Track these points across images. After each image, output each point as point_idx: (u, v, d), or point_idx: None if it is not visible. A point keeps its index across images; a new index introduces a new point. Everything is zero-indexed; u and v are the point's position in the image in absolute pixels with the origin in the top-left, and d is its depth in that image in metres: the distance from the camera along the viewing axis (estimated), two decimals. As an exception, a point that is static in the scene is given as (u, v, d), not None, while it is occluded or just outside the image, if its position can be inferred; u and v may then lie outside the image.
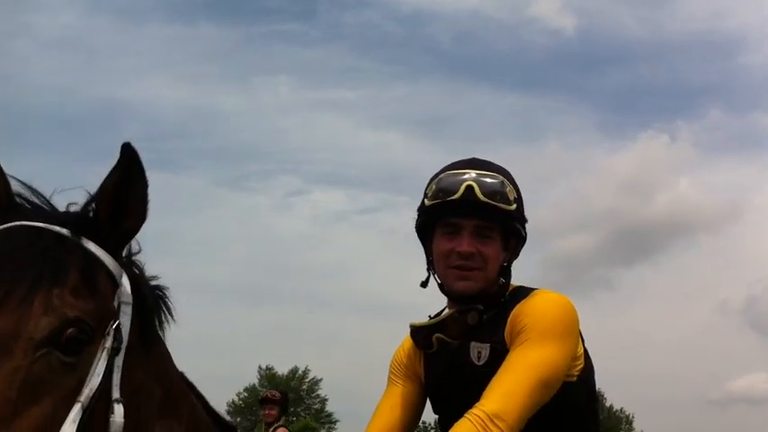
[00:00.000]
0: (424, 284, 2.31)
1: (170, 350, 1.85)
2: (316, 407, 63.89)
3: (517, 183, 2.26)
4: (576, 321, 2.15)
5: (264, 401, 9.28)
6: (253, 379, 63.62)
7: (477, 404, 1.95)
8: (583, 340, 2.22)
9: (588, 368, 2.22)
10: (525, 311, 2.11)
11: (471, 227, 2.17)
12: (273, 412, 9.05)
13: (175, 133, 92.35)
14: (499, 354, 2.09)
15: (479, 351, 2.16)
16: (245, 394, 62.35)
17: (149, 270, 1.80)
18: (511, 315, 2.14)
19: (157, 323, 1.78)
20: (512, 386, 1.97)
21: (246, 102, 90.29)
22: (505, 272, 2.25)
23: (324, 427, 59.54)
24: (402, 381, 2.38)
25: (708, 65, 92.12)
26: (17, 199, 1.67)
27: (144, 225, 1.69)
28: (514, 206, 2.18)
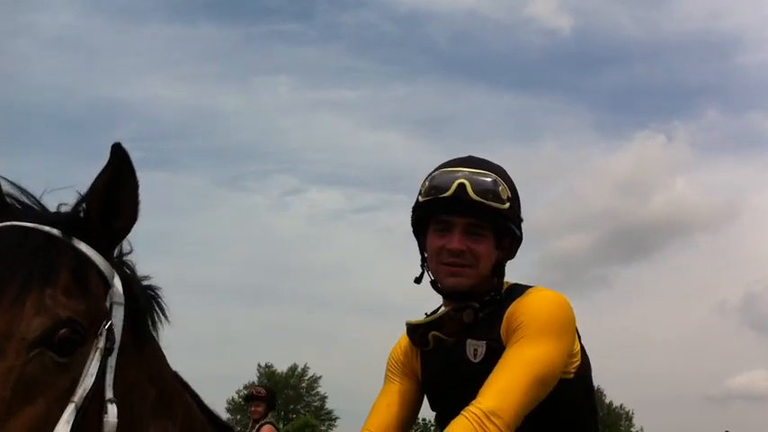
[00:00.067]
0: (418, 280, 2.31)
1: (170, 349, 1.85)
2: (315, 404, 63.91)
3: (513, 182, 2.26)
4: (572, 318, 2.15)
5: (250, 398, 9.26)
6: (252, 377, 63.61)
7: (473, 401, 1.96)
8: (579, 337, 2.22)
9: (585, 365, 2.22)
10: (521, 309, 2.12)
11: (463, 224, 2.17)
12: (260, 409, 9.03)
13: (175, 133, 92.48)
14: (495, 351, 2.10)
15: (475, 348, 2.17)
16: (245, 392, 62.34)
17: (144, 270, 1.80)
18: (507, 313, 2.14)
19: (150, 323, 1.77)
20: (508, 383, 1.97)
21: (246, 102, 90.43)
22: (499, 270, 2.25)
23: (324, 425, 59.55)
24: (399, 378, 2.38)
25: (704, 65, 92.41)
26: (7, 199, 1.66)
27: (135, 225, 1.68)
28: (507, 205, 2.18)
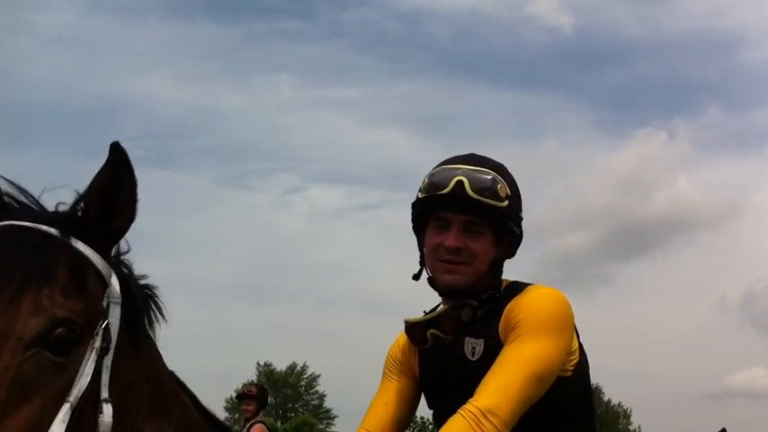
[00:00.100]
0: (416, 277, 2.31)
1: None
2: (314, 403, 63.95)
3: (515, 180, 2.26)
4: (570, 316, 2.15)
5: (241, 397, 9.16)
6: (252, 375, 63.64)
7: (470, 400, 1.95)
8: (578, 335, 2.22)
9: (583, 363, 2.22)
10: (519, 307, 2.11)
11: (460, 222, 2.17)
12: (251, 407, 8.97)
13: (176, 132, 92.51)
14: (493, 349, 2.09)
15: (474, 346, 2.16)
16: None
17: (146, 268, 1.80)
18: (505, 310, 2.14)
19: (147, 322, 1.77)
20: (505, 381, 1.97)
21: (247, 100, 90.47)
22: (496, 268, 2.24)
23: (322, 423, 59.58)
24: (397, 376, 2.38)
25: (706, 63, 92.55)
26: (5, 198, 1.66)
27: (134, 224, 1.68)
28: (506, 203, 2.17)
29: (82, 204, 1.65)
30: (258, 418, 9.04)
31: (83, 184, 1.66)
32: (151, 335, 1.79)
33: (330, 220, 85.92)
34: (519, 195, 2.26)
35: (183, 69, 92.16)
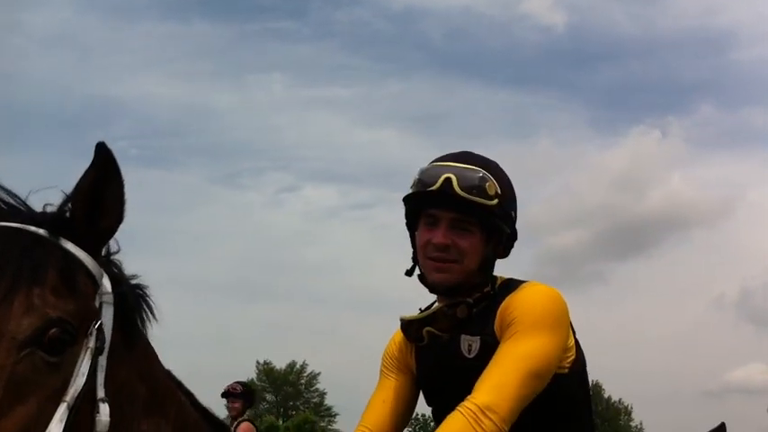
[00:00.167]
0: (409, 273, 2.31)
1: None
2: (314, 400, 64.02)
3: (508, 179, 2.25)
4: (565, 313, 2.15)
5: (226, 395, 9.04)
6: (251, 374, 63.68)
7: (468, 397, 1.96)
8: (574, 332, 2.22)
9: (580, 360, 2.22)
10: (515, 304, 2.11)
11: (448, 219, 2.17)
12: (237, 405, 8.87)
13: (169, 131, 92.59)
14: (489, 346, 2.09)
15: (470, 344, 2.16)
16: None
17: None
18: (500, 308, 2.14)
19: (139, 322, 1.77)
20: (502, 378, 1.97)
21: (240, 99, 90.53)
22: (486, 266, 2.23)
23: (323, 421, 59.63)
24: (394, 374, 2.38)
25: (699, 61, 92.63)
26: None
27: (125, 224, 1.68)
28: (495, 202, 2.16)
29: (70, 205, 1.65)
30: (245, 417, 8.97)
31: (63, 185, 1.66)
32: (144, 334, 1.79)
33: (323, 218, 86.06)
34: (512, 195, 2.25)
35: (176, 68, 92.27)
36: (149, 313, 1.79)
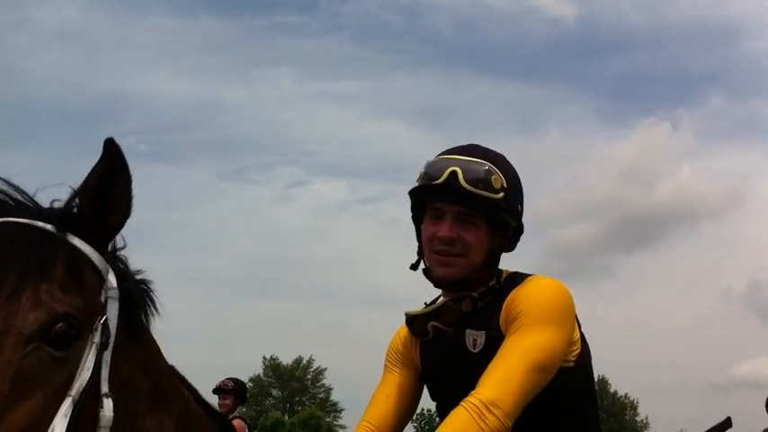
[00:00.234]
0: (414, 267, 2.31)
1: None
2: (321, 396, 64.07)
3: (515, 172, 2.25)
4: (571, 306, 2.15)
5: (218, 391, 8.98)
6: (258, 369, 63.84)
7: (472, 392, 1.95)
8: (579, 325, 2.21)
9: (585, 353, 2.22)
10: (520, 298, 2.11)
11: (454, 212, 2.16)
12: (228, 402, 8.82)
13: (177, 126, 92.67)
14: (495, 341, 2.09)
15: (475, 338, 2.16)
16: (251, 384, 62.54)
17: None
18: (506, 302, 2.13)
19: (144, 317, 1.77)
20: (507, 373, 1.97)
21: (248, 94, 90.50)
22: (492, 260, 2.23)
23: (329, 416, 59.71)
24: (398, 369, 2.38)
25: (708, 52, 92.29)
26: (0, 196, 1.66)
27: (132, 219, 1.68)
28: (501, 195, 2.16)
29: (77, 201, 1.66)
30: (236, 414, 8.91)
31: (72, 181, 1.66)
32: (149, 330, 1.80)
33: (332, 213, 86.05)
34: (518, 188, 2.25)
35: (184, 63, 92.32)
36: (154, 309, 1.79)
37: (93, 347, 1.55)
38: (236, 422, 8.62)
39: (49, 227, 1.60)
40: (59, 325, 1.50)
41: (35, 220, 1.61)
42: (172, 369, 1.89)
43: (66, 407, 1.48)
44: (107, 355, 1.58)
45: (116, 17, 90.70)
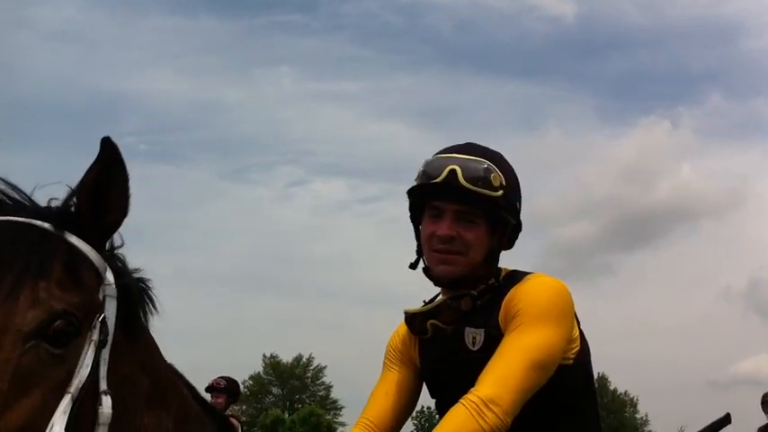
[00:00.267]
0: (413, 266, 2.31)
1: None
2: (321, 394, 64.09)
3: (513, 170, 2.25)
4: (570, 304, 2.15)
5: (210, 390, 8.97)
6: (258, 367, 63.87)
7: (472, 389, 1.96)
8: (578, 323, 2.21)
9: (584, 351, 2.22)
10: (519, 296, 2.11)
11: (454, 211, 2.16)
12: (220, 401, 8.80)
13: (177, 126, 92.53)
14: (494, 339, 2.09)
15: (474, 336, 2.16)
16: (251, 382, 62.58)
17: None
18: (505, 300, 2.13)
19: (142, 315, 1.78)
20: (506, 371, 1.97)
21: (248, 93, 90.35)
22: (492, 258, 2.23)
23: (329, 414, 59.73)
24: (397, 366, 2.38)
25: (708, 51, 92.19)
26: None
27: (130, 218, 1.68)
28: (500, 193, 2.16)
29: (74, 200, 1.66)
30: (229, 412, 8.89)
31: (69, 180, 1.67)
32: (147, 327, 1.80)
33: (332, 213, 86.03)
34: (516, 186, 2.25)
35: (184, 63, 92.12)
36: (152, 307, 1.80)
37: (92, 345, 1.56)
38: (229, 421, 8.59)
39: (47, 226, 1.61)
40: (58, 323, 1.51)
41: (33, 219, 1.61)
42: (170, 367, 1.90)
43: (65, 404, 1.48)
44: (105, 353, 1.59)
45: (116, 17, 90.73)
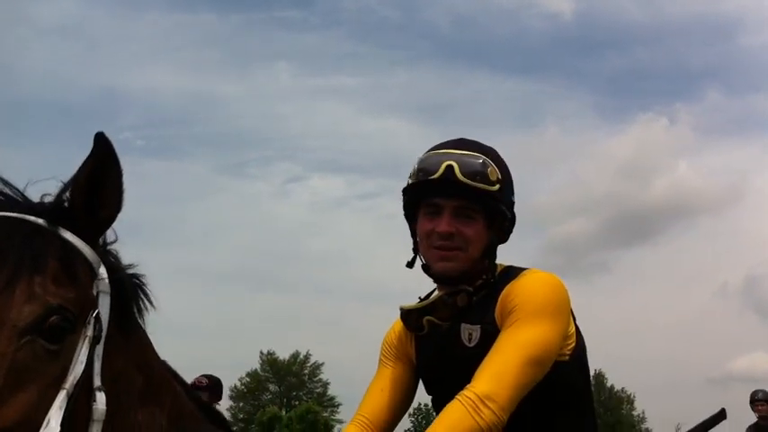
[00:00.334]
0: (410, 265, 2.30)
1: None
2: (318, 391, 64.09)
3: (506, 164, 2.25)
4: (566, 300, 2.15)
5: (191, 388, 8.94)
6: (254, 364, 63.85)
7: (468, 386, 1.96)
8: (574, 318, 2.22)
9: (580, 346, 2.22)
10: (515, 291, 2.11)
11: (452, 207, 2.16)
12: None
13: (176, 120, 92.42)
14: (490, 335, 2.09)
15: (470, 333, 2.16)
16: (248, 379, 62.60)
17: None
18: (501, 295, 2.13)
19: (136, 311, 1.78)
20: (502, 367, 1.97)
21: (246, 88, 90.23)
22: (490, 253, 2.23)
23: (326, 411, 59.74)
24: (393, 363, 2.38)
25: (706, 47, 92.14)
26: None
27: (123, 214, 1.68)
28: (497, 187, 2.16)
29: (68, 195, 1.66)
30: None
31: (61, 177, 1.67)
32: (141, 324, 1.80)
33: (330, 209, 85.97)
34: (510, 179, 2.25)
35: (183, 58, 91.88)
36: (147, 302, 1.80)
37: (86, 341, 1.55)
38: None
39: (40, 221, 1.60)
40: (53, 318, 1.50)
41: (27, 214, 1.61)
42: (163, 363, 1.89)
43: (60, 400, 1.48)
44: (99, 349, 1.58)
45: (114, 12, 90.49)
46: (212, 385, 9.02)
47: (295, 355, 64.31)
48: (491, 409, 1.91)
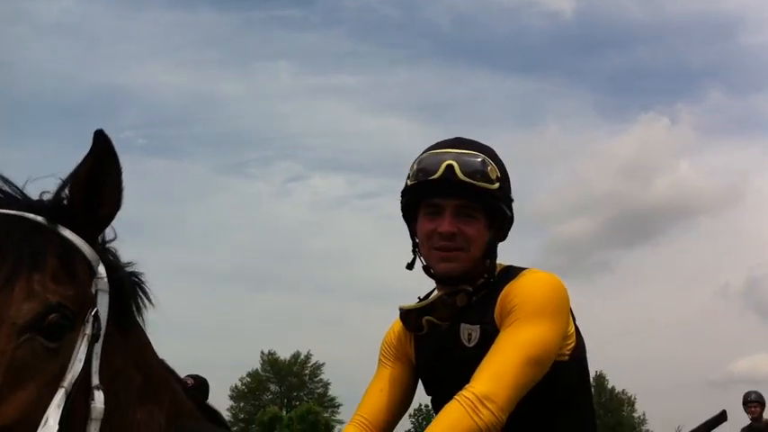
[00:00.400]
0: (410, 266, 2.30)
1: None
2: (318, 391, 64.08)
3: (503, 162, 2.25)
4: (566, 300, 2.15)
5: None
6: (255, 364, 63.86)
7: (467, 386, 1.95)
8: (574, 318, 2.22)
9: (580, 347, 2.22)
10: (515, 291, 2.11)
11: (453, 207, 2.16)
12: None
13: (176, 119, 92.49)
14: (489, 335, 2.09)
15: (469, 333, 2.16)
16: (248, 379, 62.60)
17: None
18: (500, 295, 2.13)
19: (135, 309, 1.77)
20: (501, 367, 1.97)
21: (246, 87, 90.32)
22: (491, 252, 2.23)
23: (327, 411, 59.74)
24: (392, 363, 2.38)
25: (707, 46, 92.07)
26: None
27: (123, 212, 1.68)
28: (497, 185, 2.16)
29: (67, 193, 1.66)
30: None
31: (60, 174, 1.66)
32: (139, 322, 1.80)
33: (331, 208, 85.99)
34: (508, 177, 2.25)
35: (183, 57, 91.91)
36: (145, 301, 1.80)
37: (85, 339, 1.55)
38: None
39: (39, 219, 1.60)
40: (52, 316, 1.50)
41: (26, 211, 1.61)
42: (162, 362, 1.89)
43: (59, 398, 1.48)
44: (97, 348, 1.58)
45: (114, 10, 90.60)
46: (198, 385, 9.00)
47: (296, 355, 64.33)
48: (490, 410, 1.91)
